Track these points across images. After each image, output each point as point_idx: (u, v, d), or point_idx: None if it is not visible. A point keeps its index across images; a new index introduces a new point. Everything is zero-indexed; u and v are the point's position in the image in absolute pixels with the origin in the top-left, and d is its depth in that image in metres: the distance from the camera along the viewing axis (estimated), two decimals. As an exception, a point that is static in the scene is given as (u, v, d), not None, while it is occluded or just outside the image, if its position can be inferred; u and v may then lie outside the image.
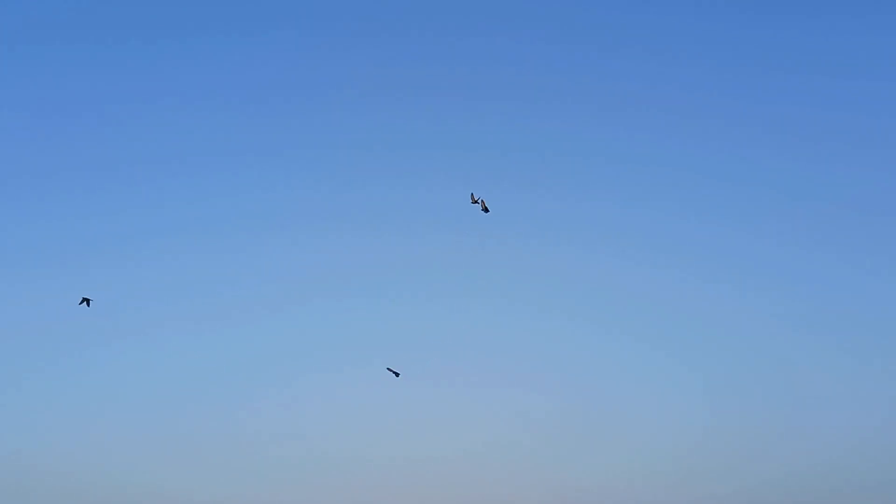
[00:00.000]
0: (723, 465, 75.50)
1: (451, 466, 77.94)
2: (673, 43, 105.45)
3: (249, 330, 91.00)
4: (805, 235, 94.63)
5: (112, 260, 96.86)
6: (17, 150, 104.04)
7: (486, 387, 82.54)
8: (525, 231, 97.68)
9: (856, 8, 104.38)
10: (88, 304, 56.63)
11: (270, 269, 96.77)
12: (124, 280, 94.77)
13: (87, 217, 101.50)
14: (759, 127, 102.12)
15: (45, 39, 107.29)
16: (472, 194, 54.64)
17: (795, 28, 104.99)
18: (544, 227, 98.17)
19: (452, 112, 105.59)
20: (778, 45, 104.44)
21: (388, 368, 57.89)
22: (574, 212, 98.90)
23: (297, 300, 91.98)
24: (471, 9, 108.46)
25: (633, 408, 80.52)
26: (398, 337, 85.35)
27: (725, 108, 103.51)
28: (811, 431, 77.38)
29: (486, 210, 54.53)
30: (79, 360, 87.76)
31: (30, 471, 76.10)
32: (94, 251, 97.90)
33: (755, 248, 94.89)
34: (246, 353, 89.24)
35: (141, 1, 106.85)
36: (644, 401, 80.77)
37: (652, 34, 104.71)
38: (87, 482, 76.03)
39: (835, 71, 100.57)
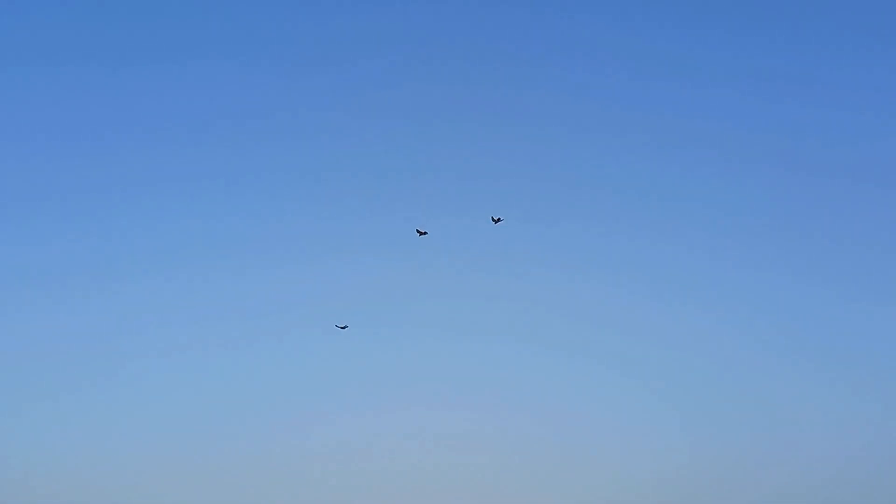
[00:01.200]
0: (701, 493, 75.68)
1: (431, 489, 78.11)
2: (682, 71, 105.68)
3: (261, 354, 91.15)
4: (784, 265, 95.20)
5: (133, 280, 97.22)
6: (15, 172, 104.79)
7: (467, 414, 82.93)
8: (503, 259, 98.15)
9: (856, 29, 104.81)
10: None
11: (271, 295, 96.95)
12: (144, 301, 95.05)
13: (112, 235, 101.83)
14: (738, 154, 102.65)
15: (31, 61, 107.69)
16: (492, 217, 55.85)
17: (801, 57, 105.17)
18: (520, 255, 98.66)
19: (427, 138, 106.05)
20: (784, 74, 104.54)
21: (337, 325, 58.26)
22: (550, 239, 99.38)
23: (302, 326, 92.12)
24: (455, 31, 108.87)
25: (610, 436, 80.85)
26: (385, 364, 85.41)
27: (707, 135, 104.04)
28: (789, 457, 77.77)
29: (496, 220, 56.12)
30: (94, 380, 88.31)
31: (51, 484, 76.73)
32: (116, 271, 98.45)
33: (735, 276, 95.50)
34: (256, 374, 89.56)
35: (131, 25, 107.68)
36: (622, 429, 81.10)
37: (660, 62, 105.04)
38: (104, 496, 76.71)
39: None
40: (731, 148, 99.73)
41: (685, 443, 77.55)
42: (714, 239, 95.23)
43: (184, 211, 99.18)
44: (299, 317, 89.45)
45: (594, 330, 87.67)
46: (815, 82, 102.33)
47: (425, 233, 59.35)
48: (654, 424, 79.54)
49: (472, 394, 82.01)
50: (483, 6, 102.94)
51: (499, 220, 57.83)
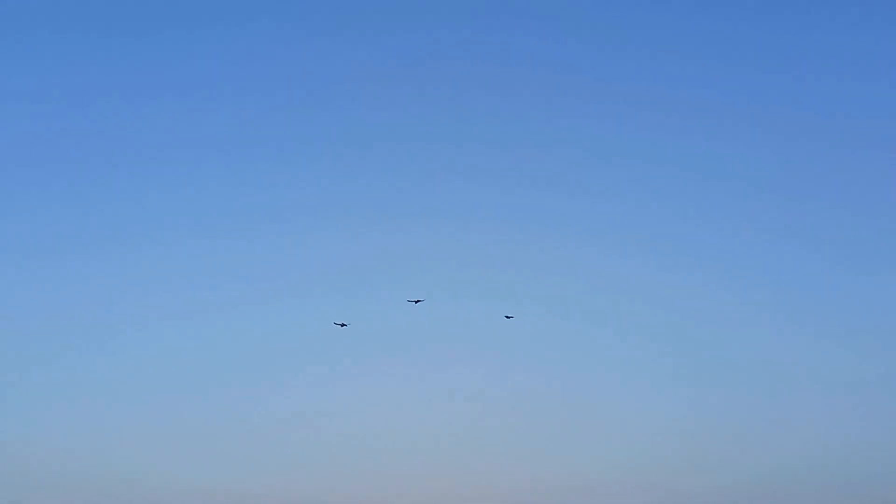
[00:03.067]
0: (707, 456, 78.62)
1: (441, 453, 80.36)
2: (682, 44, 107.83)
3: (253, 323, 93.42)
4: (790, 234, 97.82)
5: (119, 254, 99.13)
6: (9, 144, 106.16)
7: (477, 378, 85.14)
8: (516, 226, 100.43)
9: (855, 9, 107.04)
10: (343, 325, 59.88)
11: (275, 263, 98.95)
12: (131, 275, 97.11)
13: (93, 212, 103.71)
14: (750, 126, 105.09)
15: (36, 32, 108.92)
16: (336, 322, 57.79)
17: (799, 29, 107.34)
18: (534, 223, 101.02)
19: (452, 108, 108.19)
20: (782, 47, 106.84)
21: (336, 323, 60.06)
22: (564, 209, 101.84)
23: (297, 294, 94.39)
24: (473, 7, 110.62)
25: (618, 398, 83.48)
26: (396, 329, 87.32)
27: (719, 109, 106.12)
28: (793, 423, 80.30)
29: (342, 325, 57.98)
30: (84, 354, 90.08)
31: (40, 461, 78.55)
32: (101, 246, 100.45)
33: (742, 245, 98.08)
34: (249, 346, 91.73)
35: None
36: (630, 391, 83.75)
37: (663, 36, 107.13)
38: (94, 472, 78.49)
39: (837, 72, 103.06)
40: (732, 120, 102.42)
41: (692, 403, 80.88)
42: (723, 209, 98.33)
43: (180, 182, 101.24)
44: (328, 281, 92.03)
45: (607, 298, 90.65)
46: (803, 52, 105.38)
47: (344, 324, 61.37)
48: (663, 386, 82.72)
49: (485, 356, 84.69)
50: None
51: (343, 324, 60.23)
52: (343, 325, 65.62)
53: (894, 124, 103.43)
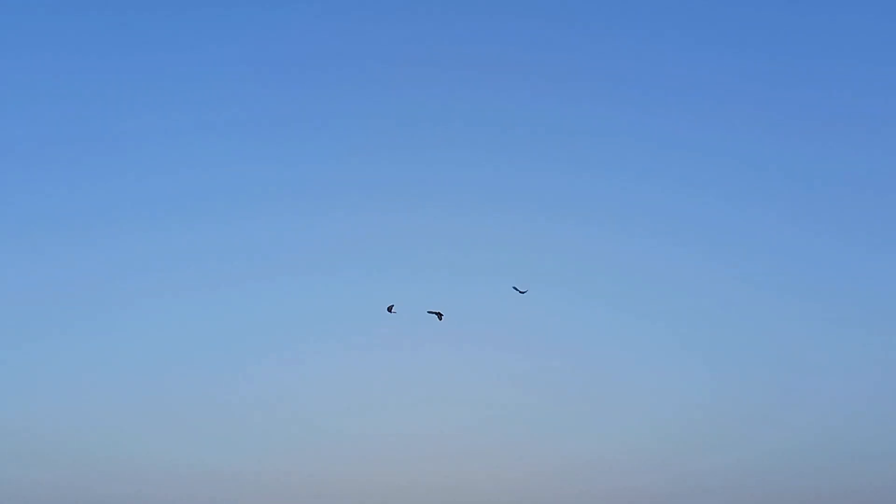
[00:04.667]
0: (723, 434, 75.72)
1: (450, 435, 77.81)
2: (680, 21, 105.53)
3: (241, 300, 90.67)
4: (806, 215, 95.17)
5: (104, 231, 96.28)
6: (5, 121, 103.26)
7: (489, 357, 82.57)
8: (529, 205, 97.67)
9: None
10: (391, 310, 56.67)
11: (264, 240, 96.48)
12: (118, 250, 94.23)
13: (77, 188, 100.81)
14: (758, 107, 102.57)
15: (42, 5, 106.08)
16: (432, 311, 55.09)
17: (801, 12, 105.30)
18: (548, 202, 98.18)
19: (460, 89, 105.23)
20: (777, 24, 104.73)
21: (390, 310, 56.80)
22: (578, 187, 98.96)
23: (288, 271, 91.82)
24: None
25: (635, 377, 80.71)
26: (399, 307, 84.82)
27: (729, 90, 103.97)
28: (809, 401, 77.74)
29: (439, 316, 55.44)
30: (70, 329, 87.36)
31: (22, 437, 75.74)
32: (85, 222, 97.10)
33: (754, 226, 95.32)
34: (236, 322, 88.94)
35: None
36: (646, 371, 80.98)
37: (659, 14, 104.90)
38: (78, 449, 75.70)
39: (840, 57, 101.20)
40: (744, 101, 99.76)
41: (709, 382, 78.08)
42: (740, 192, 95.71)
43: (172, 162, 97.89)
44: (342, 258, 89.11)
45: (622, 278, 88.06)
46: (813, 32, 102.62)
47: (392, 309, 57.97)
48: (680, 365, 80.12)
49: (498, 336, 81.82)
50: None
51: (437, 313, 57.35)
52: (391, 309, 61.10)
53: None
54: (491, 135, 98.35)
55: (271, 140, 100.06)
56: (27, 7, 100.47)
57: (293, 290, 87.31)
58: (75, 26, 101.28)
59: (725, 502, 69.72)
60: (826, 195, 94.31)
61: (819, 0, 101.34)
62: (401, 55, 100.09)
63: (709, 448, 73.14)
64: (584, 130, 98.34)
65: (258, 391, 78.70)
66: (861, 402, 75.59)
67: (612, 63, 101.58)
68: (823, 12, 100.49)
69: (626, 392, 77.51)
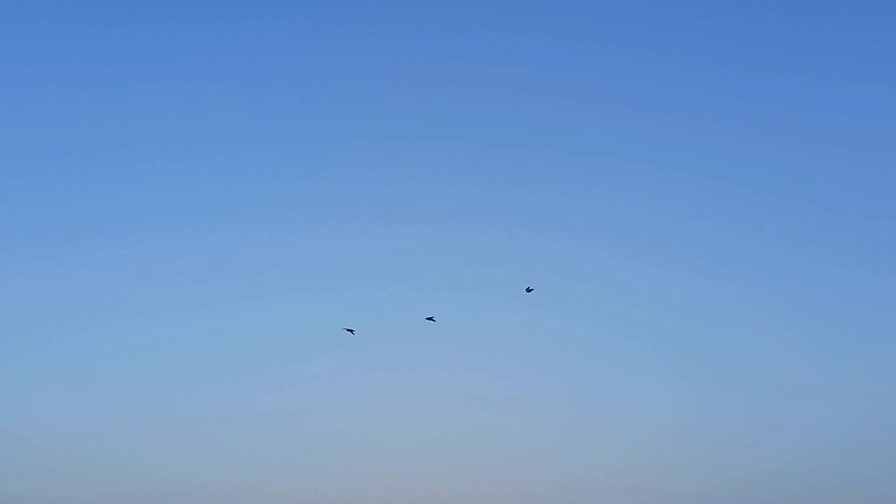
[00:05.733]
0: (707, 457, 76.98)
1: (439, 453, 79.28)
2: (678, 43, 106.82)
3: (252, 312, 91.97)
4: (795, 236, 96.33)
5: (116, 242, 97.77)
6: (11, 132, 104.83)
7: (476, 376, 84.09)
8: (517, 225, 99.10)
9: (854, 9, 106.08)
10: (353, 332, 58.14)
11: (279, 253, 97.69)
12: (131, 259, 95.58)
13: (89, 199, 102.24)
14: (748, 126, 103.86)
15: (44, 18, 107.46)
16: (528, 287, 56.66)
17: (793, 28, 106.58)
18: (536, 222, 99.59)
19: (455, 106, 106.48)
20: (776, 45, 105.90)
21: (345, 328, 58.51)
22: (566, 207, 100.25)
23: (299, 286, 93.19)
24: (480, 4, 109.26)
25: (618, 399, 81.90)
26: (393, 326, 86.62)
27: (716, 109, 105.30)
28: (793, 424, 78.97)
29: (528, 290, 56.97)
30: (79, 339, 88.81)
31: (31, 449, 77.26)
32: (96, 232, 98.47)
33: (747, 248, 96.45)
34: (247, 335, 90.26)
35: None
36: (630, 392, 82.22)
37: (659, 35, 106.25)
38: (86, 461, 77.24)
39: (833, 72, 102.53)
40: (732, 120, 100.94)
41: (693, 405, 79.35)
42: (730, 211, 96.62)
43: (178, 174, 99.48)
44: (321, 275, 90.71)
45: (610, 298, 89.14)
46: (804, 52, 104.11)
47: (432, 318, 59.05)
48: (667, 387, 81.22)
49: (486, 356, 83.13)
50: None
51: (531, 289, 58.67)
52: (350, 330, 63.02)
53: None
54: (481, 152, 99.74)
55: (284, 152, 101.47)
56: (30, 17, 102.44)
57: (303, 304, 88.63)
58: (88, 34, 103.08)
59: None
60: (812, 217, 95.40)
61: (812, 16, 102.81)
62: (396, 70, 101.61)
63: (693, 470, 74.34)
64: (572, 149, 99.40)
65: (268, 404, 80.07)
66: (846, 426, 76.70)
67: (603, 82, 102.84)
68: (818, 27, 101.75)
69: (610, 413, 78.83)
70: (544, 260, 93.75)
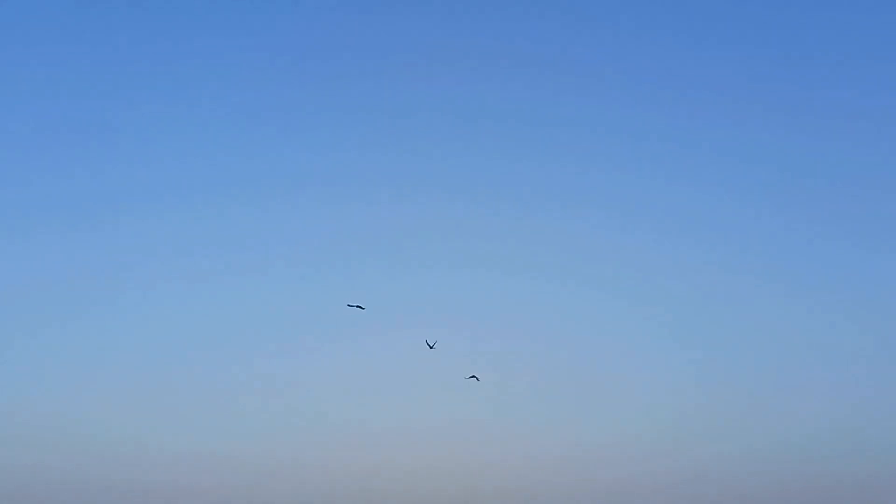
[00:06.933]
0: (715, 426, 76.89)
1: (443, 429, 78.98)
2: (687, 22, 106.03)
3: (246, 290, 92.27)
4: (800, 206, 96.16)
5: (114, 220, 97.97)
6: (22, 106, 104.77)
7: (483, 350, 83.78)
8: (524, 200, 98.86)
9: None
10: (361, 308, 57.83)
11: (272, 232, 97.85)
12: (126, 240, 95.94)
13: (86, 175, 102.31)
14: (754, 106, 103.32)
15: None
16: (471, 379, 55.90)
17: (804, 13, 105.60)
18: (542, 196, 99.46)
19: (467, 82, 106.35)
20: (775, 22, 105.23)
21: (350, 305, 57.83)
22: (573, 181, 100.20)
23: (293, 264, 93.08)
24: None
25: (628, 372, 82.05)
26: (397, 300, 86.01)
27: (728, 90, 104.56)
28: (802, 396, 79.01)
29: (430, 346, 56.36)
30: (75, 319, 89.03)
31: (28, 422, 77.52)
32: (92, 212, 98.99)
33: (751, 221, 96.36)
34: (241, 312, 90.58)
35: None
36: (637, 363, 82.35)
37: (670, 14, 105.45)
38: (83, 434, 77.38)
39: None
40: (739, 92, 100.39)
41: (700, 373, 79.22)
42: (731, 180, 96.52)
43: (178, 149, 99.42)
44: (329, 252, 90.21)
45: (615, 268, 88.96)
46: (811, 27, 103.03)
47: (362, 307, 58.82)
48: (674, 359, 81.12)
49: (488, 325, 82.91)
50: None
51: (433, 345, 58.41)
52: (360, 307, 62.58)
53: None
54: (485, 127, 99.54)
55: (277, 133, 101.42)
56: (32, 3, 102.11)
57: (297, 282, 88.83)
58: (83, 17, 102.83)
59: (719, 492, 70.81)
60: (823, 192, 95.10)
61: (821, 1, 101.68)
62: (401, 50, 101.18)
63: (703, 438, 74.18)
64: (579, 123, 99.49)
65: (262, 380, 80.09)
66: (856, 396, 76.60)
67: (611, 58, 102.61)
68: (828, 11, 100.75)
69: (621, 383, 78.65)
70: (555, 233, 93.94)
